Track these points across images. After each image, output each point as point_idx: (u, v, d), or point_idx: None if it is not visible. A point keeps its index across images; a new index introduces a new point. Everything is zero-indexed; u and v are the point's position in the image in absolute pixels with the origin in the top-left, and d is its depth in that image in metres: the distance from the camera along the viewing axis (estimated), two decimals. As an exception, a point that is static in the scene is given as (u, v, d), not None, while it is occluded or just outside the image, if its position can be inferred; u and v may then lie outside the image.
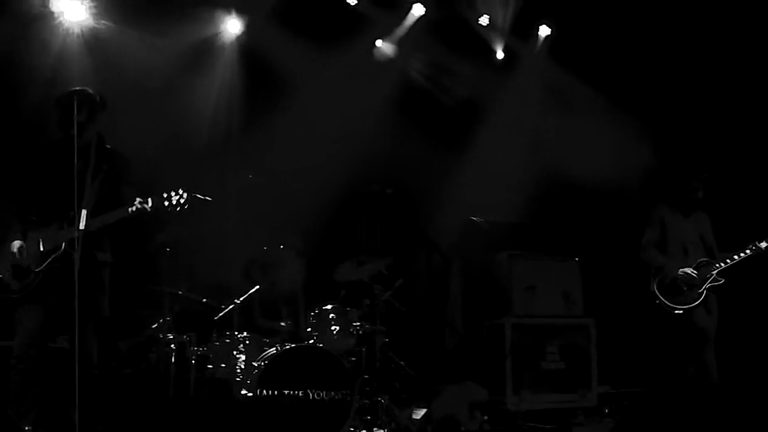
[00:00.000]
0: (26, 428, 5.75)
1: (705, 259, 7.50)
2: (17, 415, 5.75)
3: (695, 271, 7.38)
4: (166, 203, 5.69)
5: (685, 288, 7.38)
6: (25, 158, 6.12)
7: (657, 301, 7.45)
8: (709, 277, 7.40)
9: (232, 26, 8.83)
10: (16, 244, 5.84)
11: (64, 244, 5.61)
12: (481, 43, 9.78)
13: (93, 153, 5.69)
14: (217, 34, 8.82)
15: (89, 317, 5.81)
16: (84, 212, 5.43)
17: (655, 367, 7.88)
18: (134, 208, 5.68)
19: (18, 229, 5.90)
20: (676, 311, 7.37)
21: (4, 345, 7.01)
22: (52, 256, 5.73)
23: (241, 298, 7.35)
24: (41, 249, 5.80)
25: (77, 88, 5.86)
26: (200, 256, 7.52)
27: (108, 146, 5.98)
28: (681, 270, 7.41)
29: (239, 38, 8.86)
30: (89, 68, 8.29)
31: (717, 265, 7.42)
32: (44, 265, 5.75)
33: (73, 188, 5.49)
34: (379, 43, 9.40)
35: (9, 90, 8.04)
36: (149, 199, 5.71)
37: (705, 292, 7.40)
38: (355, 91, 8.91)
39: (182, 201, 5.71)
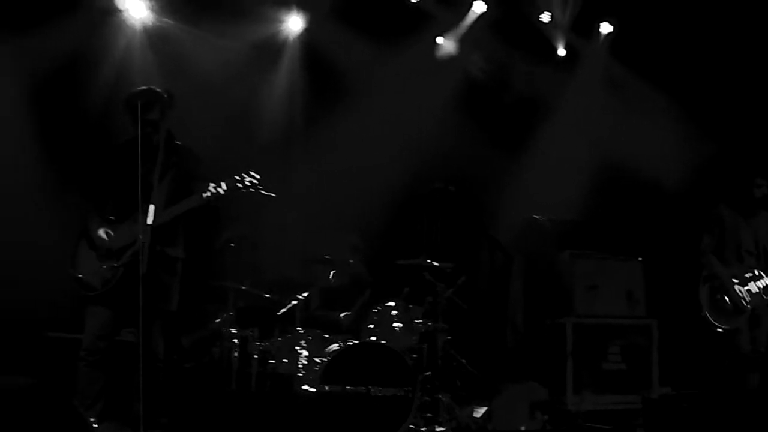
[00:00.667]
0: (91, 419, 5.77)
1: (755, 271, 7.33)
2: (83, 407, 5.78)
3: (747, 295, 7.22)
4: (240, 185, 5.79)
5: (731, 307, 7.22)
6: (98, 158, 6.20)
7: (702, 314, 7.30)
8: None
9: (293, 24, 8.87)
10: (102, 230, 5.90)
11: (140, 236, 5.56)
12: (542, 41, 9.71)
13: (163, 150, 5.73)
14: (278, 32, 8.86)
15: (158, 312, 5.88)
16: (152, 207, 5.45)
17: (715, 372, 7.72)
18: (209, 194, 5.74)
19: (97, 226, 5.96)
20: (719, 329, 7.24)
21: (72, 338, 7.20)
22: (131, 250, 5.77)
23: (283, 310, 7.37)
24: (119, 245, 5.85)
25: (145, 87, 5.88)
26: (263, 252, 7.54)
27: (178, 143, 6.03)
28: (735, 288, 7.24)
29: (301, 36, 8.91)
30: (152, 65, 8.43)
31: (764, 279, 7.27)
32: (123, 259, 5.80)
33: (145, 186, 5.53)
34: (440, 40, 9.38)
35: (81, 87, 8.17)
36: (222, 183, 5.78)
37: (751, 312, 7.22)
38: (416, 89, 8.92)
39: (255, 182, 5.82)
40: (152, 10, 8.50)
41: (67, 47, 8.26)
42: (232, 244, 7.30)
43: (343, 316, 7.50)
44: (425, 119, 8.91)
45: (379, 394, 6.78)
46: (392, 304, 7.33)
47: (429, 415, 7.17)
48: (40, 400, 5.42)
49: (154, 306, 5.76)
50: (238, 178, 5.82)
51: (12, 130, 8.40)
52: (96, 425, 5.83)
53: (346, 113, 8.77)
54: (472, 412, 7.60)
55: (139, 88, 5.87)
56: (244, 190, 5.82)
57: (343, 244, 7.72)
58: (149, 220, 5.41)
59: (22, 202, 8.18)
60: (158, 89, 5.87)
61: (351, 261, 7.69)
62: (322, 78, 8.88)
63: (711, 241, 7.42)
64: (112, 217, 5.97)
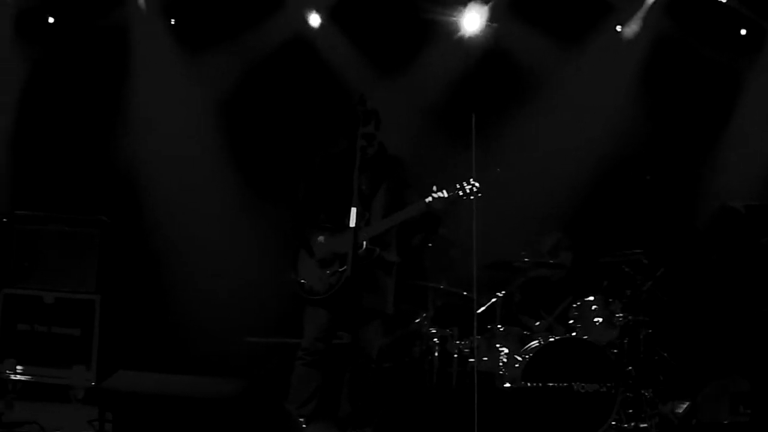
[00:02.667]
0: (300, 419, 5.94)
1: None
2: (295, 405, 6.01)
3: None
4: (461, 193, 5.93)
5: None
6: (314, 168, 6.38)
7: None
8: None
9: (471, 21, 8.84)
10: (322, 238, 6.11)
11: (365, 243, 5.83)
12: (724, 21, 9.34)
13: (377, 161, 6.04)
14: (457, 30, 8.87)
15: (375, 314, 6.08)
16: (354, 210, 5.52)
17: None
18: (430, 199, 5.92)
19: (317, 232, 6.17)
20: None
21: (277, 342, 7.59)
22: (353, 258, 5.81)
23: (482, 308, 7.36)
24: (341, 251, 5.98)
25: (363, 101, 5.92)
26: (460, 251, 7.56)
27: (390, 154, 6.23)
28: None
29: (480, 32, 8.87)
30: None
31: None
32: (347, 264, 5.84)
33: (360, 195, 5.69)
34: (619, 28, 9.16)
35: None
36: (444, 191, 5.93)
37: None
38: (599, 78, 8.74)
39: (475, 190, 5.92)
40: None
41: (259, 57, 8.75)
42: (430, 244, 7.39)
43: (538, 324, 7.44)
44: (611, 109, 8.70)
45: (582, 390, 6.72)
46: (592, 298, 7.23)
47: (631, 411, 7.03)
48: (252, 401, 5.70)
49: (372, 308, 5.99)
50: (458, 186, 5.93)
51: (209, 141, 8.94)
52: (305, 425, 5.99)
53: (531, 109, 8.75)
54: (674, 407, 7.43)
55: (357, 100, 5.91)
56: (465, 198, 5.93)
57: (546, 243, 7.71)
58: (352, 223, 5.51)
59: (222, 215, 8.69)
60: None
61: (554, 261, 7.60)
62: (503, 73, 8.85)
63: None
64: (329, 225, 6.15)
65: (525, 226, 8.12)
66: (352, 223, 5.51)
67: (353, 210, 5.53)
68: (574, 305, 7.26)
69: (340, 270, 5.97)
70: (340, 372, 6.22)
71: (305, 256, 6.17)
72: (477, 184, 5.91)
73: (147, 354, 7.99)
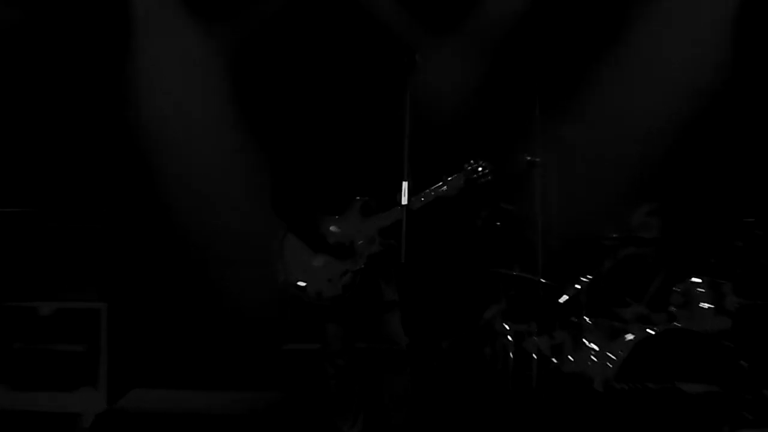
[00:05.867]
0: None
1: None
2: (343, 422, 5.76)
3: None
4: (474, 175, 5.72)
5: None
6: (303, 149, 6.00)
7: None
8: None
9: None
10: (334, 227, 5.74)
11: (377, 238, 5.69)
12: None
13: None
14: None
15: (393, 305, 5.84)
16: (405, 185, 5.09)
17: None
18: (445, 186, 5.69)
19: (324, 222, 5.82)
20: None
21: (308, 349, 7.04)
22: (368, 253, 5.69)
23: (564, 297, 6.70)
24: (352, 241, 5.77)
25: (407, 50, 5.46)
26: (533, 230, 6.78)
27: None
28: None
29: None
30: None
31: None
32: (362, 263, 5.71)
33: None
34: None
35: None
36: (457, 175, 5.73)
37: None
38: (683, 27, 7.86)
39: (487, 171, 5.71)
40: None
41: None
42: (498, 223, 6.81)
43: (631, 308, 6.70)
44: (698, 60, 7.80)
45: (690, 392, 5.96)
46: (698, 280, 6.37)
47: (750, 416, 6.16)
48: (289, 417, 5.67)
49: (391, 300, 5.82)
50: (468, 169, 5.70)
51: (224, 116, 8.28)
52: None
53: (604, 64, 7.98)
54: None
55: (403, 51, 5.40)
56: (476, 180, 5.70)
57: (636, 217, 6.93)
58: (404, 200, 5.09)
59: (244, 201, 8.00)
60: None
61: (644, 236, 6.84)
62: (572, 29, 8.02)
63: None
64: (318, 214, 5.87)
65: (608, 199, 7.46)
66: (404, 201, 5.08)
67: (404, 185, 5.07)
68: (677, 288, 6.45)
69: (354, 270, 5.68)
70: (376, 377, 5.83)
71: (297, 252, 5.78)
72: (487, 167, 5.72)
73: (164, 369, 7.62)
